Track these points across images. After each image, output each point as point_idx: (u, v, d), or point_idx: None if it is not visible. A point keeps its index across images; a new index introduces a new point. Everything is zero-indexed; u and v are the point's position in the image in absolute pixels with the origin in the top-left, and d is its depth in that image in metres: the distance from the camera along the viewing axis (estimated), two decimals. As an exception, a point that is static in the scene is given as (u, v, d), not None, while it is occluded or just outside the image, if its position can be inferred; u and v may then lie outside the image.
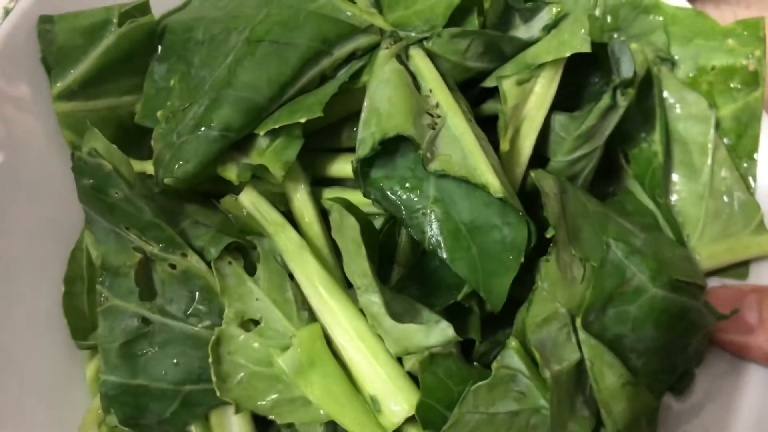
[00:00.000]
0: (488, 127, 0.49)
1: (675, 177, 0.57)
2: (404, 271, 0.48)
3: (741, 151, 0.57)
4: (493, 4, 0.53)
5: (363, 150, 0.44)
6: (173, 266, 0.47)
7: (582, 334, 0.45)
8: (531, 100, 0.50)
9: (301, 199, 0.50)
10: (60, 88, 0.54)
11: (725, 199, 0.56)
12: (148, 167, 0.53)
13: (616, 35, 0.60)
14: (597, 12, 0.60)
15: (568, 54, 0.49)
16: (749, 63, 0.57)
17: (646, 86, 0.56)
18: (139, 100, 0.57)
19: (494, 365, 0.43)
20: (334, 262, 0.49)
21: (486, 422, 0.42)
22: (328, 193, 0.51)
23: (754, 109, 0.56)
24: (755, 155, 0.57)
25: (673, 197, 0.57)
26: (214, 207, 0.53)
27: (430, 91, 0.48)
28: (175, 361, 0.46)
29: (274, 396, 0.45)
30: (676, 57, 0.59)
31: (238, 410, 0.45)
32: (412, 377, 0.44)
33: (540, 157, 0.52)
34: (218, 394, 0.44)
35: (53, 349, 0.52)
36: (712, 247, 0.55)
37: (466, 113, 0.47)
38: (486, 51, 0.51)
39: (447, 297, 0.44)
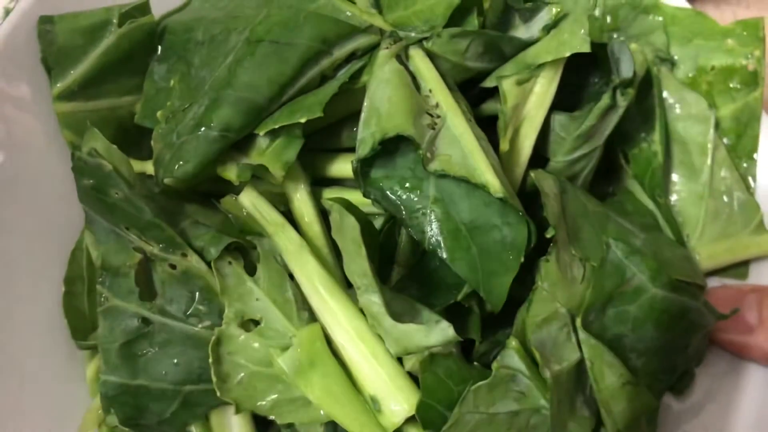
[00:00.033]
0: (488, 127, 0.49)
1: (675, 177, 0.57)
2: (404, 271, 0.48)
3: (741, 151, 0.57)
4: (492, 4, 0.53)
5: (363, 150, 0.44)
6: (173, 266, 0.47)
7: (582, 334, 0.45)
8: (531, 100, 0.50)
9: (301, 199, 0.50)
10: (60, 89, 0.54)
11: (725, 199, 0.56)
12: (148, 167, 0.53)
13: (615, 35, 0.60)
14: (597, 12, 0.60)
15: (567, 54, 0.49)
16: (749, 63, 0.57)
17: (645, 86, 0.56)
18: (139, 101, 0.57)
19: (494, 365, 0.43)
20: (334, 262, 0.49)
21: (486, 422, 0.42)
22: (328, 193, 0.51)
23: (753, 109, 0.57)
24: (755, 155, 0.57)
25: (673, 197, 0.57)
26: (214, 207, 0.53)
27: (430, 91, 0.48)
28: (175, 361, 0.46)
29: (274, 396, 0.45)
30: (676, 57, 0.59)
31: (238, 410, 0.45)
32: (413, 377, 0.44)
33: (540, 157, 0.52)
34: (218, 394, 0.44)
35: (53, 349, 0.52)
36: (712, 247, 0.55)
37: (466, 113, 0.47)
38: (486, 51, 0.51)
39: (447, 297, 0.44)
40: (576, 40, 0.49)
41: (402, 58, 0.49)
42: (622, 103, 0.51)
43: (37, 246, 0.53)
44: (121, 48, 0.55)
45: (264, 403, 0.45)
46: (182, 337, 0.46)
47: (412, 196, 0.44)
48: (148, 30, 0.56)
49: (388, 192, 0.45)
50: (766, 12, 0.82)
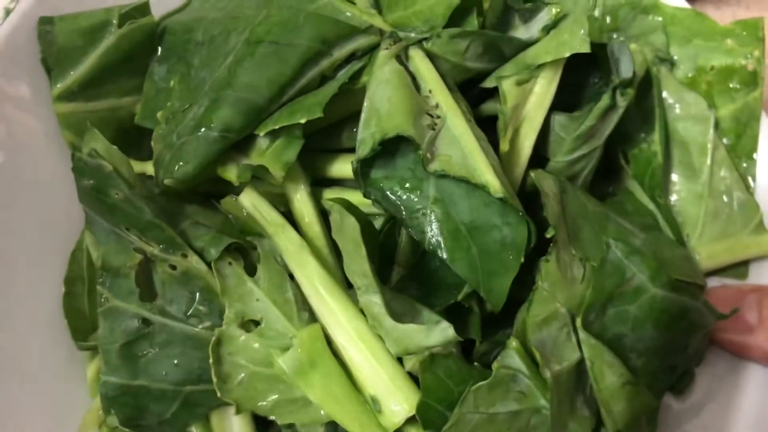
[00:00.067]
0: (488, 127, 0.49)
1: (674, 177, 0.57)
2: (404, 271, 0.48)
3: (740, 151, 0.57)
4: (492, 4, 0.53)
5: (363, 150, 0.44)
6: (173, 267, 0.47)
7: (582, 334, 0.45)
8: (530, 101, 0.50)
9: (301, 200, 0.50)
10: (60, 89, 0.55)
11: (725, 198, 0.56)
12: (148, 168, 0.53)
13: (615, 35, 0.60)
14: (596, 12, 0.60)
15: (567, 54, 0.49)
16: (748, 63, 0.57)
17: (645, 86, 0.56)
18: (139, 101, 0.57)
19: (495, 365, 0.43)
20: (334, 263, 0.49)
21: (486, 422, 0.42)
22: (329, 194, 0.51)
23: (753, 109, 0.57)
24: (754, 155, 0.57)
25: (673, 197, 0.57)
26: (214, 208, 0.53)
27: (430, 91, 0.48)
28: (175, 361, 0.46)
29: (275, 396, 0.45)
30: (675, 57, 0.59)
31: (238, 411, 0.45)
32: (413, 377, 0.44)
33: (540, 157, 0.52)
34: (219, 394, 0.44)
35: (54, 350, 0.52)
36: (712, 247, 0.55)
37: (466, 113, 0.47)
38: (485, 51, 0.51)
39: (447, 297, 0.44)
40: (576, 41, 0.49)
41: (402, 59, 0.49)
42: (622, 103, 0.51)
43: (37, 246, 0.53)
44: (121, 49, 0.55)
45: (264, 403, 0.45)
46: (182, 337, 0.46)
47: (412, 196, 0.44)
48: (148, 31, 0.56)
49: (388, 192, 0.45)
50: (766, 12, 0.82)
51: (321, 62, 0.49)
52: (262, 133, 0.47)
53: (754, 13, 0.84)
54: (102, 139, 0.49)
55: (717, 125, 0.57)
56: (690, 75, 0.59)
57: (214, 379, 0.44)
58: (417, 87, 0.48)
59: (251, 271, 0.47)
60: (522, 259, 0.43)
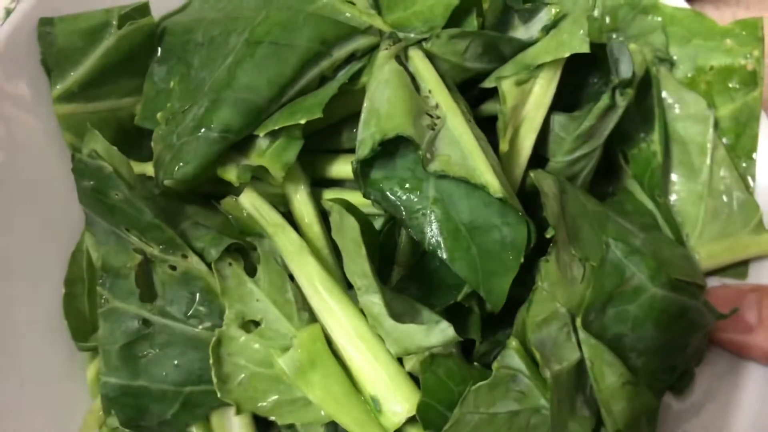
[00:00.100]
0: (487, 127, 0.49)
1: (674, 177, 0.57)
2: (404, 272, 0.48)
3: (740, 150, 0.57)
4: (491, 4, 0.53)
5: (363, 151, 0.44)
6: (173, 267, 0.47)
7: (582, 334, 0.45)
8: (530, 101, 0.51)
9: (301, 200, 0.50)
10: (60, 90, 0.55)
11: (724, 198, 0.56)
12: (149, 169, 0.53)
13: (614, 36, 0.60)
14: (596, 13, 0.60)
15: (567, 54, 0.49)
16: (747, 63, 0.57)
17: (644, 86, 0.56)
18: (139, 102, 0.57)
19: (495, 365, 0.43)
20: (334, 263, 0.49)
21: (486, 422, 0.42)
22: (328, 194, 0.51)
23: (752, 109, 0.57)
24: (754, 155, 0.57)
25: (672, 197, 0.57)
26: (214, 208, 0.53)
27: (430, 91, 0.48)
28: (175, 362, 0.46)
29: (275, 397, 0.45)
30: (675, 57, 0.59)
31: (238, 411, 0.45)
32: (413, 378, 0.44)
33: (539, 157, 0.52)
34: (219, 395, 0.44)
35: (54, 351, 0.52)
36: (712, 247, 0.55)
37: (466, 114, 0.47)
38: (485, 52, 0.51)
39: (447, 297, 0.45)
40: (575, 41, 0.49)
41: (401, 59, 0.49)
42: (622, 103, 0.51)
43: (37, 247, 0.53)
44: (121, 50, 0.55)
45: (265, 403, 0.45)
46: (183, 338, 0.46)
47: (411, 196, 0.44)
48: (147, 31, 0.56)
49: (388, 193, 0.45)
50: (766, 12, 0.82)
51: (321, 63, 0.49)
52: (261, 134, 0.47)
53: (753, 13, 0.84)
54: (102, 140, 0.49)
55: (716, 125, 0.57)
56: (689, 75, 0.59)
57: (215, 380, 0.44)
58: (416, 87, 0.48)
59: (251, 271, 0.47)
60: (522, 259, 0.43)
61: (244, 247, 0.48)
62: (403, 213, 0.44)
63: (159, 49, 0.57)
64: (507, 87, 0.49)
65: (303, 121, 0.46)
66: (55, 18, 0.55)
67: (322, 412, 0.45)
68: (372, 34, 0.50)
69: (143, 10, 0.57)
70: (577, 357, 0.45)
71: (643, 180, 0.57)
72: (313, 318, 0.46)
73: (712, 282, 0.56)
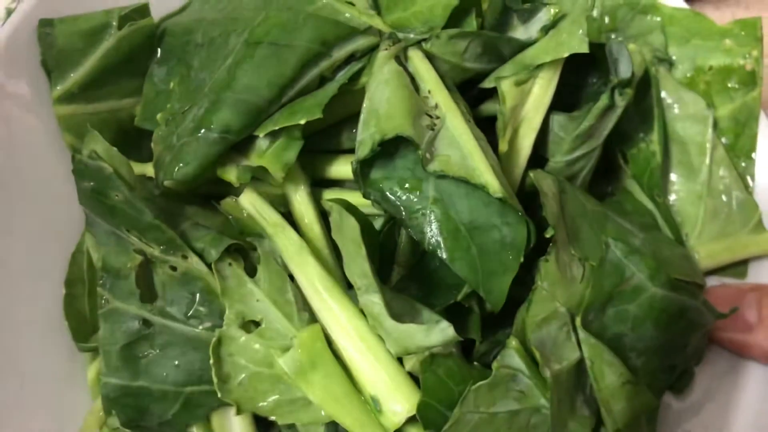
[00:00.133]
0: (487, 127, 0.49)
1: (673, 176, 0.57)
2: (404, 272, 0.48)
3: (739, 150, 0.57)
4: (491, 5, 0.53)
5: (362, 151, 0.45)
6: (174, 268, 0.47)
7: (582, 333, 0.45)
8: (529, 101, 0.51)
9: (301, 201, 0.50)
10: (60, 91, 0.55)
11: (723, 198, 0.56)
12: (149, 169, 0.53)
13: (613, 36, 0.60)
14: (595, 13, 0.60)
15: (566, 54, 0.49)
16: (746, 63, 0.57)
17: (644, 86, 0.56)
18: (139, 103, 0.57)
19: (494, 365, 0.43)
20: (334, 263, 0.49)
21: (486, 422, 0.42)
22: (328, 194, 0.51)
23: (751, 109, 0.57)
24: (753, 155, 0.57)
25: (672, 197, 0.57)
26: (214, 209, 0.53)
27: (429, 92, 0.48)
28: (176, 362, 0.46)
29: (275, 397, 0.45)
30: (674, 57, 0.59)
31: (239, 411, 0.45)
32: (413, 377, 0.44)
33: (539, 157, 0.52)
34: (219, 395, 0.44)
35: (54, 352, 0.52)
36: (711, 246, 0.55)
37: (465, 114, 0.47)
38: (484, 52, 0.52)
39: (447, 297, 0.45)
40: (574, 41, 0.49)
41: (401, 60, 0.49)
42: (621, 103, 0.51)
43: (37, 248, 0.53)
44: (121, 51, 0.55)
45: (265, 403, 0.45)
46: (183, 338, 0.46)
47: (411, 196, 0.44)
48: (147, 32, 0.56)
49: (387, 193, 0.45)
50: (766, 12, 0.82)
51: (320, 63, 0.49)
52: (261, 134, 0.48)
53: (753, 13, 0.84)
54: (102, 141, 0.49)
55: (715, 125, 0.57)
56: (688, 75, 0.59)
57: (215, 380, 0.44)
58: (416, 87, 0.48)
59: (251, 271, 0.47)
60: (521, 259, 0.43)
61: (244, 248, 0.48)
62: (403, 213, 0.44)
63: (159, 50, 0.57)
64: (506, 87, 0.50)
65: (303, 122, 0.46)
66: (55, 19, 0.55)
67: (323, 412, 0.45)
68: (371, 34, 0.50)
69: (143, 11, 0.57)
70: (576, 356, 0.45)
71: (643, 180, 0.57)
72: (314, 318, 0.46)
73: (712, 281, 0.56)
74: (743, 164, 0.57)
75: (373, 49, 0.50)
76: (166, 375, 0.46)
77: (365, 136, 0.45)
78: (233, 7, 0.56)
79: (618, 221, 0.51)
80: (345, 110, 0.51)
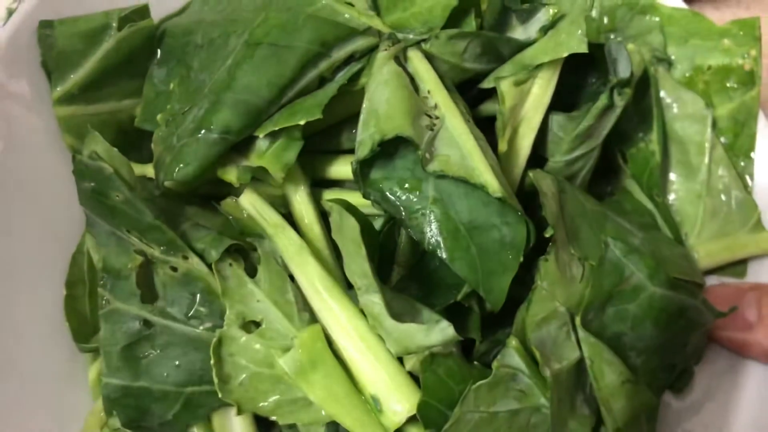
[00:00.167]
0: (486, 127, 0.49)
1: (672, 176, 0.57)
2: (404, 271, 0.48)
3: (738, 150, 0.57)
4: (490, 5, 0.53)
5: (362, 151, 0.45)
6: (174, 268, 0.47)
7: (581, 333, 0.45)
8: (529, 101, 0.51)
9: (301, 201, 0.50)
10: (60, 93, 0.55)
11: (723, 197, 0.56)
12: (149, 170, 0.53)
13: (612, 36, 0.60)
14: (594, 13, 0.60)
15: (565, 55, 0.49)
16: (745, 62, 0.57)
17: (643, 86, 0.56)
18: (139, 104, 0.57)
19: (495, 364, 0.43)
20: (334, 263, 0.49)
21: (487, 421, 0.42)
22: (328, 195, 0.51)
23: (750, 108, 0.57)
24: (752, 154, 0.57)
25: (671, 196, 0.57)
26: (214, 209, 0.53)
27: (429, 92, 0.48)
28: (176, 363, 0.46)
29: (276, 397, 0.45)
30: (673, 57, 0.59)
31: (239, 411, 0.45)
32: (413, 377, 0.45)
33: (538, 157, 0.53)
34: (220, 395, 0.44)
35: (55, 352, 0.52)
36: (710, 246, 0.55)
37: (465, 114, 0.48)
38: (483, 52, 0.52)
39: (447, 297, 0.45)
40: (573, 41, 0.49)
41: (400, 60, 0.49)
42: (620, 103, 0.51)
43: (38, 249, 0.53)
44: (121, 52, 0.55)
45: (266, 404, 0.45)
46: (184, 339, 0.46)
47: (411, 196, 0.45)
48: (147, 34, 0.57)
49: (387, 193, 0.45)
50: (765, 13, 0.82)
51: (320, 64, 0.49)
52: (261, 135, 0.48)
53: (753, 13, 0.84)
54: (102, 142, 0.49)
55: (714, 124, 0.57)
56: (687, 74, 0.59)
57: (216, 380, 0.44)
58: (416, 88, 0.48)
59: (252, 272, 0.47)
60: (521, 259, 0.43)
61: (245, 248, 0.48)
62: (403, 213, 0.45)
63: (159, 51, 0.57)
64: (506, 87, 0.50)
65: (302, 122, 0.46)
66: (54, 21, 0.55)
67: (323, 412, 0.45)
68: (371, 35, 0.50)
69: (143, 13, 0.57)
70: (576, 356, 0.45)
71: (642, 179, 0.57)
72: (314, 318, 0.46)
73: (711, 281, 0.56)
74: (742, 164, 0.57)
75: (372, 50, 0.50)
76: (167, 375, 0.46)
77: (365, 136, 0.45)
78: (233, 8, 0.56)
79: (617, 221, 0.51)
80: (345, 111, 0.51)
